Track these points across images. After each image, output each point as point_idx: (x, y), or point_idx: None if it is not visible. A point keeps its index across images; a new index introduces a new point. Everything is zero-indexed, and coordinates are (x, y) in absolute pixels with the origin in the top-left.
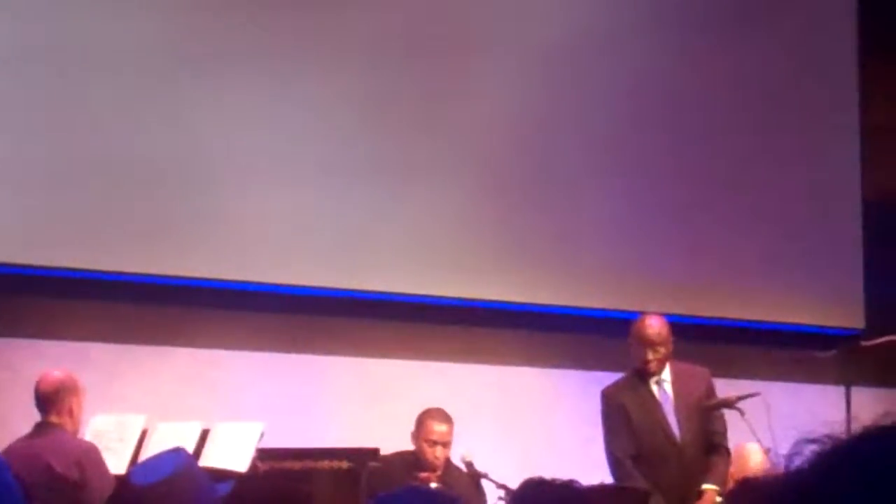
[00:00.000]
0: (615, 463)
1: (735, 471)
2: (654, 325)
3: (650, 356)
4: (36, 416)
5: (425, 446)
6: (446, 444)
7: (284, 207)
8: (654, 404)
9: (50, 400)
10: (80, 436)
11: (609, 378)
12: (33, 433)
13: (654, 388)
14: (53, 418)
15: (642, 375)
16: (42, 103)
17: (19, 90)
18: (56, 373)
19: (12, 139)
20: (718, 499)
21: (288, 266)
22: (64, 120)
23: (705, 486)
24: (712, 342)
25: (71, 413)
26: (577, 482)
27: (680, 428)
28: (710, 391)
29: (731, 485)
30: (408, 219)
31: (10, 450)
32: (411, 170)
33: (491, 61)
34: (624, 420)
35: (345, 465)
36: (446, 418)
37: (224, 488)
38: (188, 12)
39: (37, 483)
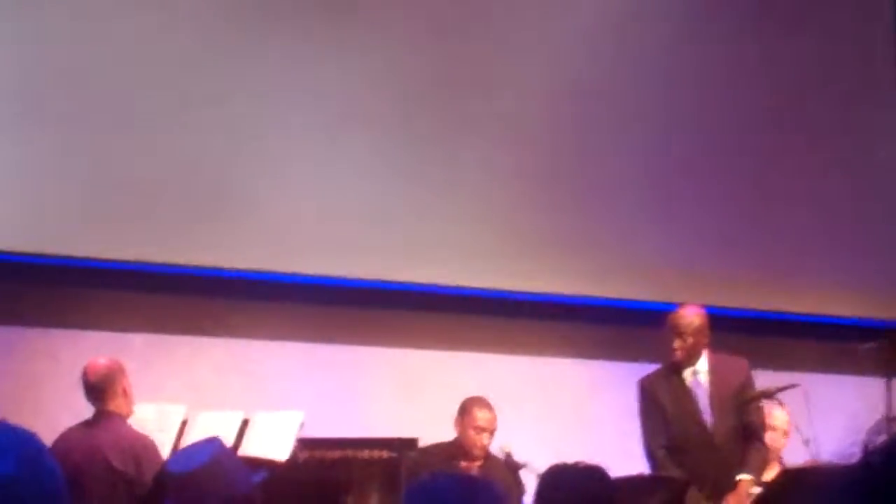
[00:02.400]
0: (649, 454)
1: None
2: (684, 315)
3: (676, 344)
4: (77, 405)
5: (472, 433)
6: (492, 432)
7: (323, 198)
8: (687, 394)
9: (100, 388)
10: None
11: (648, 369)
12: (92, 421)
13: (689, 378)
14: (109, 406)
15: (676, 365)
16: (83, 97)
17: (62, 83)
18: (100, 360)
19: (54, 132)
20: (756, 489)
21: (326, 257)
22: (103, 115)
23: (740, 477)
24: (752, 334)
25: (125, 393)
26: (602, 468)
27: (713, 418)
28: (749, 382)
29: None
30: (446, 210)
31: (67, 436)
32: (451, 161)
33: (531, 46)
34: (657, 410)
35: (384, 454)
36: (490, 406)
37: (262, 477)
38: None
39: (94, 474)
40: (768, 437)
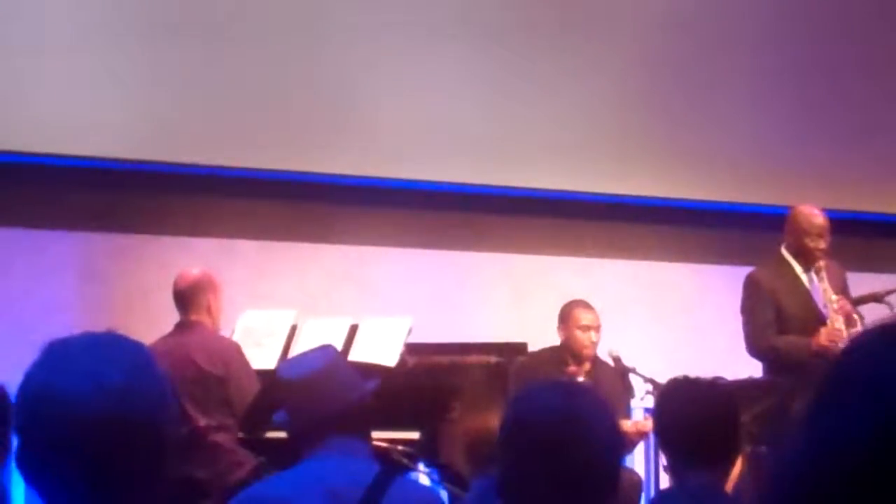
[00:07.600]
0: (758, 348)
1: None
2: (823, 215)
3: (822, 245)
4: None
5: (578, 333)
6: (598, 329)
7: (430, 103)
8: (805, 293)
9: (187, 298)
10: (222, 332)
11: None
12: (175, 331)
13: (803, 276)
14: (193, 316)
15: (808, 258)
16: (207, 9)
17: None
18: (194, 271)
19: (165, 39)
20: None
21: (436, 163)
22: (212, 27)
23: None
24: (857, 236)
25: (209, 310)
26: (722, 378)
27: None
28: (847, 284)
29: None
30: (554, 113)
31: (154, 347)
32: (558, 64)
33: None
34: (769, 306)
35: (493, 359)
36: (590, 305)
37: (376, 383)
38: None
39: (184, 378)
40: None
